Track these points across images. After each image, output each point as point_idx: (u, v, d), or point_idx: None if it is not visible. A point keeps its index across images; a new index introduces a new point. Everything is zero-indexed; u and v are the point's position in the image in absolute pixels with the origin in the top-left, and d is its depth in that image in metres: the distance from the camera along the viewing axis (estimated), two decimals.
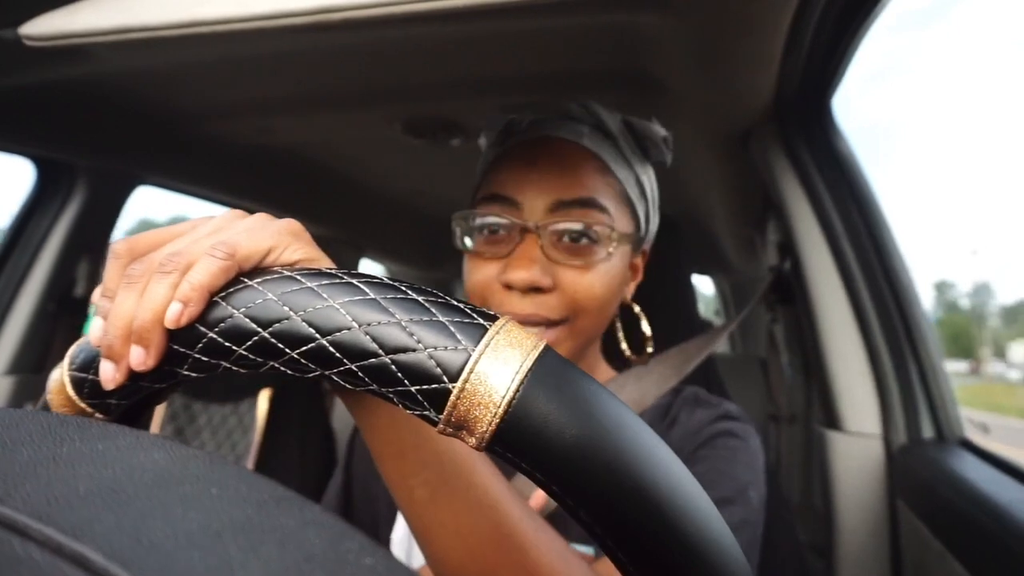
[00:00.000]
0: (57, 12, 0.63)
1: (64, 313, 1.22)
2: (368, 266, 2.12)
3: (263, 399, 1.50)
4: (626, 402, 0.63)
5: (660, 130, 0.65)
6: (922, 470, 0.84)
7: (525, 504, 0.39)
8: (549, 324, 0.58)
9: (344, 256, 1.88)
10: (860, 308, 0.96)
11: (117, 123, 1.08)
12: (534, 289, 0.57)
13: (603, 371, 0.69)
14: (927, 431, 0.92)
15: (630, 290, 0.67)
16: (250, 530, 0.17)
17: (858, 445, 0.94)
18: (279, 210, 1.56)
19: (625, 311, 0.68)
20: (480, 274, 0.59)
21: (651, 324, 0.67)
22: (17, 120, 1.03)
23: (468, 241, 0.62)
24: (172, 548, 0.15)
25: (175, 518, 0.16)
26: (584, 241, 0.58)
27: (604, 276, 0.59)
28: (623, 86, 0.93)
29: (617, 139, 0.63)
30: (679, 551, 0.25)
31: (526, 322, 0.57)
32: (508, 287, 0.57)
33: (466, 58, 0.85)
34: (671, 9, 0.69)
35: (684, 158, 1.22)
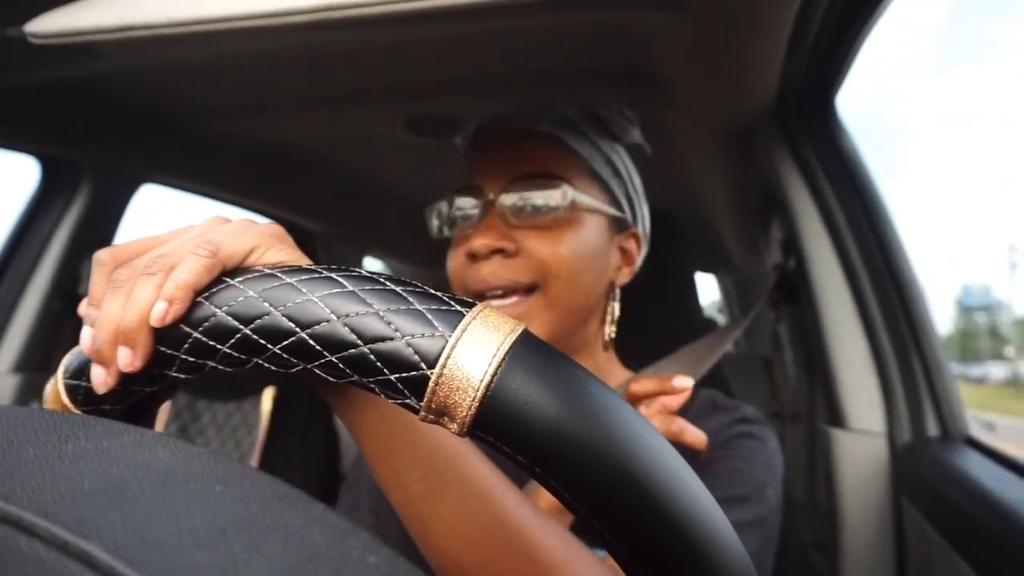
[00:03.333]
0: (62, 9, 0.63)
1: (69, 311, 1.22)
2: (371, 265, 2.12)
3: (267, 397, 1.51)
4: None
5: (614, 105, 0.68)
6: (927, 468, 0.84)
7: (520, 492, 0.39)
8: (522, 291, 0.59)
9: (346, 254, 1.87)
10: (864, 306, 0.95)
11: (121, 121, 1.08)
12: (499, 253, 0.59)
13: (617, 372, 0.68)
14: (932, 429, 0.92)
15: (622, 275, 0.66)
16: (254, 528, 0.17)
17: (862, 443, 0.94)
18: (282, 208, 1.56)
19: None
20: (455, 257, 0.62)
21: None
22: (22, 118, 1.03)
23: (446, 231, 0.66)
24: (176, 546, 0.15)
25: (179, 515, 0.16)
26: (543, 206, 0.59)
27: (572, 242, 0.60)
28: (626, 84, 0.92)
29: (577, 125, 0.65)
30: (666, 530, 0.25)
31: (491, 288, 0.58)
32: (473, 256, 0.59)
33: (468, 56, 0.85)
34: (674, 7, 0.68)
35: (687, 155, 1.22)
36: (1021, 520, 0.61)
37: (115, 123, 1.09)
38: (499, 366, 0.25)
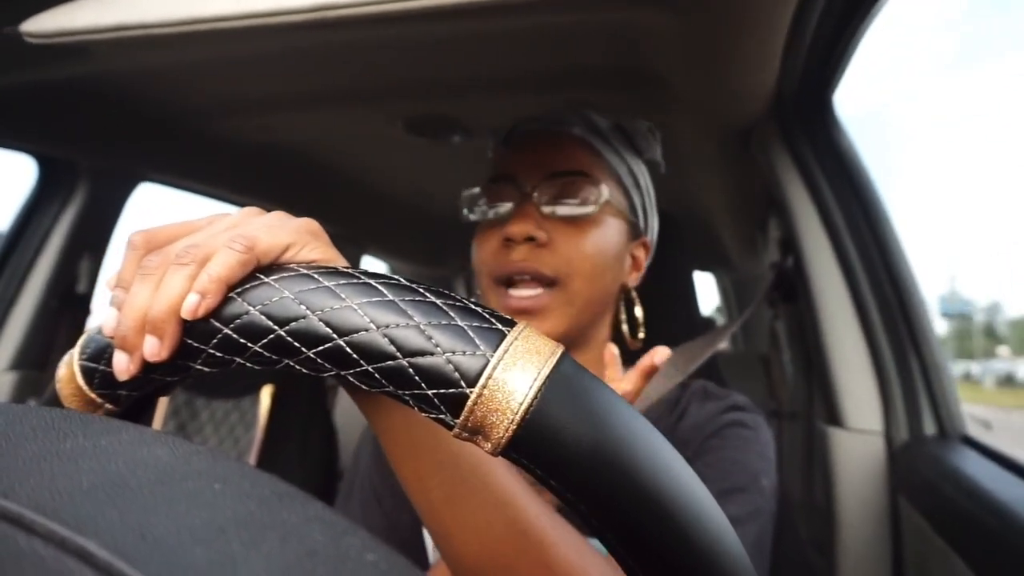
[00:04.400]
0: (59, 9, 0.63)
1: (67, 310, 1.22)
2: (370, 263, 2.12)
3: (265, 395, 1.51)
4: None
5: (643, 123, 0.71)
6: (924, 467, 0.84)
7: (541, 500, 0.39)
8: (544, 283, 0.61)
9: (345, 253, 1.86)
10: (862, 304, 0.96)
11: (119, 120, 1.08)
12: (530, 241, 0.61)
13: None
14: (929, 427, 0.92)
15: (632, 279, 0.70)
16: (252, 526, 0.17)
17: (860, 442, 0.94)
18: (280, 207, 1.55)
19: (629, 302, 0.70)
20: (486, 242, 0.65)
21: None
22: (19, 118, 1.03)
23: (474, 217, 0.70)
24: (175, 543, 0.15)
25: (178, 513, 0.16)
26: (576, 203, 0.63)
27: (596, 241, 0.63)
28: (624, 84, 0.92)
29: (606, 134, 0.69)
30: (691, 562, 0.25)
31: (521, 272, 0.61)
32: (508, 241, 0.62)
33: (467, 56, 0.85)
34: (672, 6, 0.68)
35: (686, 155, 1.22)
36: (1017, 518, 0.61)
37: (113, 122, 1.08)
38: (539, 390, 0.25)
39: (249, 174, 1.39)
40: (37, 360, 1.19)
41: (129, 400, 0.31)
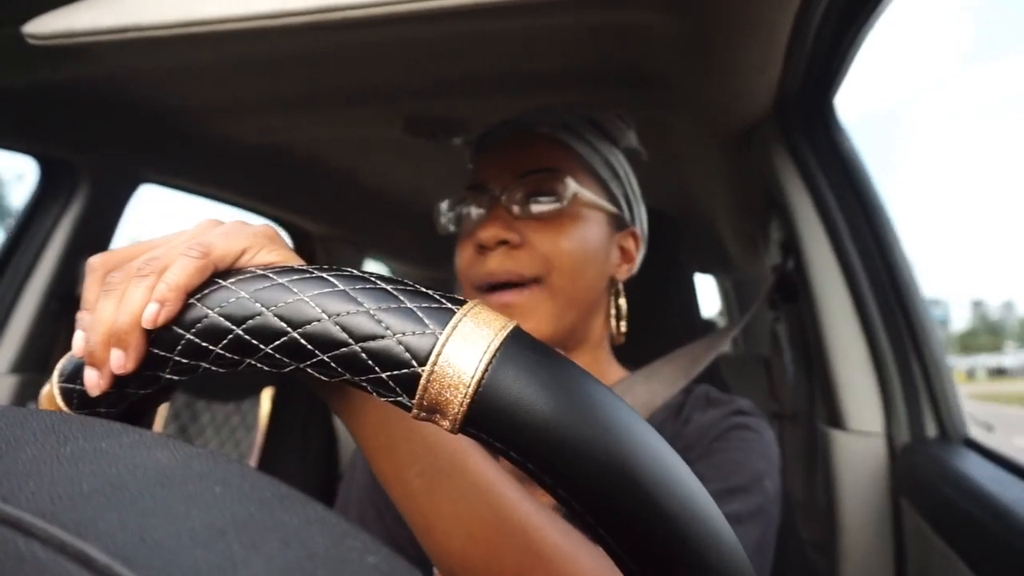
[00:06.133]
0: (61, 10, 0.63)
1: (67, 312, 1.22)
2: (371, 266, 2.12)
3: (266, 398, 1.51)
4: (635, 403, 0.64)
5: (613, 111, 0.71)
6: (925, 468, 0.84)
7: (520, 485, 0.39)
8: (525, 283, 0.60)
9: (346, 255, 1.87)
10: (863, 306, 0.95)
11: (120, 122, 1.08)
12: (504, 244, 0.60)
13: (614, 371, 0.69)
14: (931, 429, 0.92)
15: (622, 271, 0.68)
16: (253, 528, 0.17)
17: (861, 444, 0.94)
18: (281, 209, 1.56)
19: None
20: (464, 251, 0.64)
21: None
22: (20, 119, 1.03)
23: (453, 228, 0.70)
24: (175, 546, 0.15)
25: (178, 516, 0.16)
26: (547, 200, 0.62)
27: (574, 235, 0.62)
28: (625, 85, 0.93)
29: (577, 128, 0.68)
30: (660, 525, 0.25)
31: (499, 281, 0.60)
32: (482, 248, 0.61)
33: (467, 57, 0.85)
34: (673, 8, 0.69)
35: (686, 156, 1.22)
36: (1019, 520, 0.61)
37: (114, 124, 1.08)
38: (490, 363, 0.25)
39: (250, 177, 1.40)
40: (38, 363, 1.19)
41: (109, 418, 0.32)
